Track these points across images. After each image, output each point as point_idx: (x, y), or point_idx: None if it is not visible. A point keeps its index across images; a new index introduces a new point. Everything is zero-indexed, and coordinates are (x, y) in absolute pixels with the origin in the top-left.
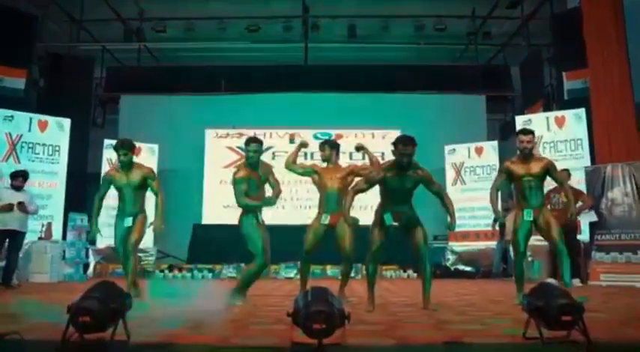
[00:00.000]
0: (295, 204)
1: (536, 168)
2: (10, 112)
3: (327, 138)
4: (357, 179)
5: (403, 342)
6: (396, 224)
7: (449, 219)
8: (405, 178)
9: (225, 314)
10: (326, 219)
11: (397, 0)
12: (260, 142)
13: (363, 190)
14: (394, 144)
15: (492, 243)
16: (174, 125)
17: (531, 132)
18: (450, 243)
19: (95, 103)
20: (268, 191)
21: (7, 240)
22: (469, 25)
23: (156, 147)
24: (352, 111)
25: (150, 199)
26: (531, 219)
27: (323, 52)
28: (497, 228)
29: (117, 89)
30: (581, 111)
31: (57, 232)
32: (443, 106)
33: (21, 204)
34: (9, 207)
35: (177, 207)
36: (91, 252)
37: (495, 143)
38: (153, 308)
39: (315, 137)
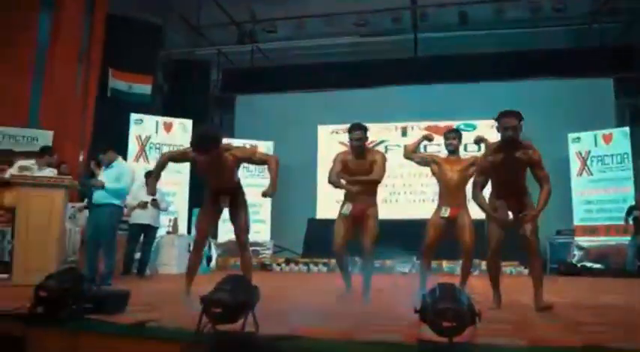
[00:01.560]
0: (409, 198)
1: None
2: (139, 116)
3: (470, 130)
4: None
5: (537, 344)
6: (510, 215)
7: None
8: (514, 159)
9: (348, 309)
10: (446, 212)
11: None
12: (364, 129)
13: (484, 184)
14: (497, 119)
15: (624, 239)
16: (287, 122)
17: None
18: (576, 238)
19: (213, 104)
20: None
21: (142, 234)
22: (592, 2)
23: (271, 144)
24: (466, 102)
25: None
26: None
27: (434, 42)
28: (630, 222)
29: (232, 90)
30: None
31: (182, 227)
32: (565, 92)
33: (154, 201)
34: (144, 204)
35: (293, 202)
36: (213, 245)
37: (627, 129)
38: (279, 301)
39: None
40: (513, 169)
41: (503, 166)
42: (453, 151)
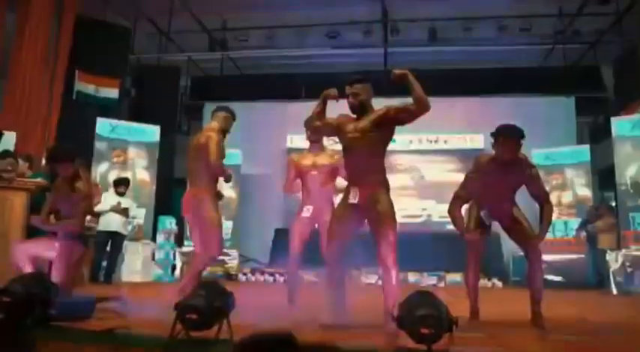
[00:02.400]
0: None
1: None
2: (105, 122)
3: None
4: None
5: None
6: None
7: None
8: (508, 176)
9: (321, 318)
10: (355, 198)
11: (480, 0)
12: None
13: (465, 200)
14: (495, 135)
15: (584, 253)
16: (256, 131)
17: None
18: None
19: (181, 111)
20: None
21: (110, 241)
22: (556, 24)
23: (239, 153)
24: (433, 116)
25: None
26: None
27: (403, 56)
28: (582, 236)
29: (201, 97)
30: None
31: (147, 234)
32: (529, 110)
33: (125, 210)
34: (119, 207)
35: (260, 212)
36: (177, 254)
37: (587, 147)
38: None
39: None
40: (506, 186)
41: (495, 183)
42: (357, 110)
